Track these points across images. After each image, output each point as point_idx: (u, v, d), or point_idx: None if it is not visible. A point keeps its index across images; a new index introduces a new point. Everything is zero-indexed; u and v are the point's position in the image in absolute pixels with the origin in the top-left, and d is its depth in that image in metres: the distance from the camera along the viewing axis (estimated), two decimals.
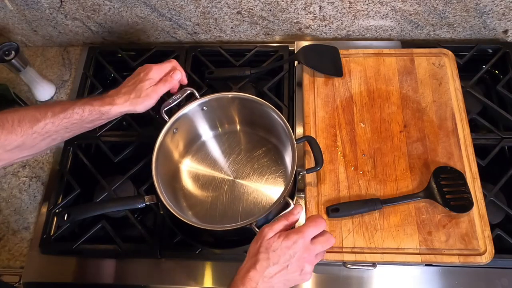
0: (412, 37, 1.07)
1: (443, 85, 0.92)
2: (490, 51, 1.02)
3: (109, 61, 1.08)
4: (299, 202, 0.86)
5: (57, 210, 0.88)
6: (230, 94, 0.88)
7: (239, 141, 0.94)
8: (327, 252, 0.76)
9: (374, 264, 0.77)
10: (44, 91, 1.06)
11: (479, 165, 0.84)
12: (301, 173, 0.82)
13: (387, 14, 1.00)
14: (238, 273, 0.63)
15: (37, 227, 0.90)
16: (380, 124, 0.89)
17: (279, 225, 0.66)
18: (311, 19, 1.03)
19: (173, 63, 0.84)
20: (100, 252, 0.86)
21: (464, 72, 0.97)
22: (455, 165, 0.83)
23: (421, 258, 0.75)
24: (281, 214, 0.71)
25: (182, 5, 1.01)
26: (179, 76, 0.81)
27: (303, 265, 0.63)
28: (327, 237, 0.66)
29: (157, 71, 0.81)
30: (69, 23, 1.09)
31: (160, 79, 0.81)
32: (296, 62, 1.02)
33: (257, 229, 0.71)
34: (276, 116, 0.83)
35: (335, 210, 0.79)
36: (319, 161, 0.80)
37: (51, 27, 1.10)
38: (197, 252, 0.83)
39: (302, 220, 0.81)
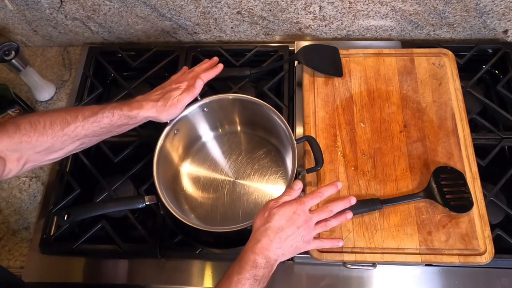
0: (412, 37, 1.07)
1: (443, 85, 0.92)
2: (490, 51, 1.02)
3: (109, 61, 1.08)
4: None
5: (57, 210, 0.88)
6: (230, 96, 0.88)
7: (239, 142, 0.94)
8: (327, 252, 0.77)
9: (374, 264, 0.77)
10: (44, 91, 1.06)
11: (479, 165, 0.84)
12: (301, 173, 0.83)
13: (387, 14, 1.00)
14: (247, 245, 0.66)
15: (37, 227, 0.90)
16: (380, 124, 0.89)
17: (282, 199, 0.70)
18: (311, 19, 1.03)
19: (200, 74, 0.85)
20: (100, 252, 0.86)
21: (464, 72, 0.97)
22: (455, 165, 0.83)
23: (421, 258, 0.75)
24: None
25: (182, 5, 1.01)
26: (201, 83, 0.82)
27: (304, 232, 0.69)
28: (322, 208, 0.72)
29: (187, 83, 0.82)
30: (69, 23, 1.09)
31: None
32: (296, 62, 1.02)
33: None
34: (277, 118, 0.83)
35: None
36: (319, 161, 0.80)
37: (51, 27, 1.10)
38: (197, 252, 0.84)
39: None
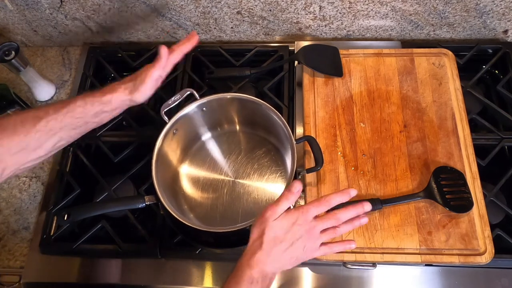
0: (412, 37, 1.07)
1: (443, 85, 0.92)
2: (490, 51, 1.02)
3: (109, 61, 1.08)
4: (299, 202, 0.86)
5: (57, 210, 0.88)
6: (229, 95, 0.88)
7: (239, 142, 0.94)
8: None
9: (374, 264, 0.77)
10: (44, 91, 1.06)
11: (479, 165, 0.84)
12: (301, 173, 0.83)
13: (387, 14, 1.00)
14: (243, 258, 0.63)
15: (37, 227, 0.90)
16: (380, 124, 0.89)
17: (281, 206, 0.65)
18: (311, 19, 1.03)
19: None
20: (100, 252, 0.86)
21: (464, 72, 0.97)
22: (455, 165, 0.83)
23: (421, 258, 0.75)
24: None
25: (182, 5, 1.01)
26: (165, 51, 0.75)
27: (306, 242, 0.64)
28: (328, 215, 0.66)
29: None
30: (69, 23, 1.09)
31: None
32: (296, 62, 1.02)
33: None
34: (276, 117, 0.83)
35: None
36: (319, 161, 0.80)
37: (51, 27, 1.10)
38: (197, 252, 0.84)
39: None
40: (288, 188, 0.67)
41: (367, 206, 0.68)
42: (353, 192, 0.67)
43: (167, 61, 0.75)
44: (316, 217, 0.66)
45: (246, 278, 0.61)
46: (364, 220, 0.68)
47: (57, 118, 0.69)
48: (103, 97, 0.73)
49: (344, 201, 0.67)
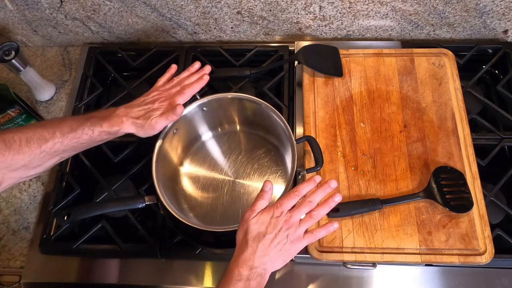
0: (412, 37, 1.07)
1: (443, 85, 0.92)
2: (490, 51, 1.02)
3: (109, 61, 1.08)
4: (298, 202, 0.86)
5: (57, 210, 0.88)
6: (230, 95, 0.88)
7: (239, 142, 0.94)
8: (327, 252, 0.77)
9: (374, 264, 0.77)
10: (44, 91, 1.06)
11: (479, 165, 0.84)
12: (301, 173, 0.83)
13: (387, 14, 1.00)
14: (232, 260, 0.65)
15: (37, 227, 0.90)
16: (380, 124, 0.89)
17: (257, 205, 0.68)
18: (311, 19, 1.03)
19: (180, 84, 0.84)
20: (100, 252, 0.86)
21: (464, 72, 0.97)
22: (455, 165, 0.83)
23: (421, 258, 0.75)
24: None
25: (182, 5, 1.01)
26: (182, 110, 0.78)
27: (288, 231, 0.67)
28: (301, 202, 0.70)
29: (168, 102, 0.81)
30: (69, 23, 1.09)
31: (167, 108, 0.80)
32: (296, 62, 1.02)
33: None
34: (276, 117, 0.83)
35: (335, 210, 0.79)
36: (319, 161, 0.80)
37: (51, 27, 1.10)
38: (197, 252, 0.84)
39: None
40: (261, 188, 0.70)
41: (333, 183, 0.71)
42: (318, 178, 0.71)
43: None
44: (291, 209, 0.69)
45: (234, 276, 0.62)
46: (338, 198, 0.71)
47: (63, 142, 0.71)
48: (110, 129, 0.75)
49: (311, 188, 0.71)
